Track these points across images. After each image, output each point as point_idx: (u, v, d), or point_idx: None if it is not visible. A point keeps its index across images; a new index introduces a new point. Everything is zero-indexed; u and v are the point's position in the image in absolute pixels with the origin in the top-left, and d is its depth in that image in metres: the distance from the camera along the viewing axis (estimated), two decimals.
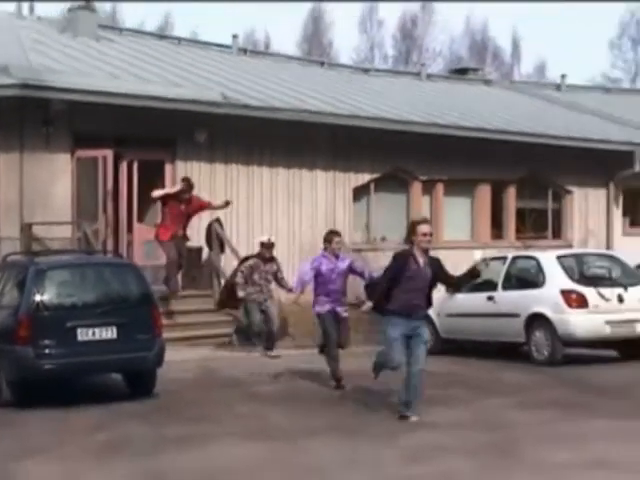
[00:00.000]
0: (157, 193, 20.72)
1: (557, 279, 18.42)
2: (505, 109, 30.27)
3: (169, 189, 20.92)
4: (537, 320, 18.25)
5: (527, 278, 18.90)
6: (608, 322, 18.09)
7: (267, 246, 19.43)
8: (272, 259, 19.58)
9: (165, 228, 20.43)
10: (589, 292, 18.18)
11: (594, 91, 39.71)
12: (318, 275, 15.16)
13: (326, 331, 15.25)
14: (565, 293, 18.11)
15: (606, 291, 18.33)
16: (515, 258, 19.42)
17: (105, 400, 14.23)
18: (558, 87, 37.42)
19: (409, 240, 12.52)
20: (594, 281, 18.59)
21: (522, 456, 10.63)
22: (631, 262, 20.33)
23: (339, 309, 15.33)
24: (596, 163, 28.08)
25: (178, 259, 20.51)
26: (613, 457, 10.34)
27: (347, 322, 15.71)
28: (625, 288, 18.54)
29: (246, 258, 20.04)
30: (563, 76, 38.00)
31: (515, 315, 18.33)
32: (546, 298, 18.23)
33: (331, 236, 15.43)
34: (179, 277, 21.11)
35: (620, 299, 18.35)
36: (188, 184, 20.48)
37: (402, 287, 12.22)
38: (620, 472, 9.78)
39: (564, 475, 9.71)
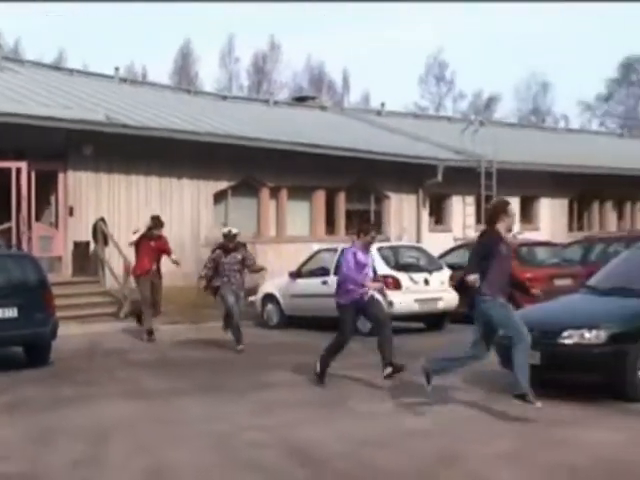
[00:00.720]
0: (134, 238, 18.36)
1: (377, 266, 18.63)
2: (336, 130, 30.50)
3: (140, 232, 18.52)
4: None
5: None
6: (417, 300, 18.47)
7: (227, 238, 16.43)
8: (236, 249, 16.42)
9: (141, 264, 18.08)
10: (402, 277, 18.52)
11: (407, 117, 40.28)
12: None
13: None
14: (384, 277, 18.35)
15: (415, 276, 18.70)
16: (344, 249, 19.59)
17: (6, 369, 14.00)
18: (379, 113, 37.82)
19: (493, 222, 10.30)
20: (406, 268, 18.96)
21: (347, 407, 10.81)
22: (435, 253, 20.79)
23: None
24: (408, 174, 28.49)
25: (152, 296, 17.98)
26: (422, 405, 10.56)
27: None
28: (430, 273, 18.96)
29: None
30: (383, 104, 38.47)
31: None
32: None
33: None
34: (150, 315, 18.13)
35: (426, 282, 18.75)
36: (159, 221, 18.33)
37: (497, 269, 10.02)
38: (426, 415, 10.01)
39: (381, 420, 9.91)
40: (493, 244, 10.18)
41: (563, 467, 7.95)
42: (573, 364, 10.74)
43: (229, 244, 16.40)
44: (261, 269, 17.23)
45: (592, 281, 12.87)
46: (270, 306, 20.39)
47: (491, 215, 10.44)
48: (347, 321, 12.38)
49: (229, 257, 16.31)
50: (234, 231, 16.68)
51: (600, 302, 11.81)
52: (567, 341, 10.72)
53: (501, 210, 10.37)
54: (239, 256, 16.42)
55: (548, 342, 10.89)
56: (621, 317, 10.91)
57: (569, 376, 10.94)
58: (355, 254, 12.32)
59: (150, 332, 17.67)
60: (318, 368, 12.39)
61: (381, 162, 27.40)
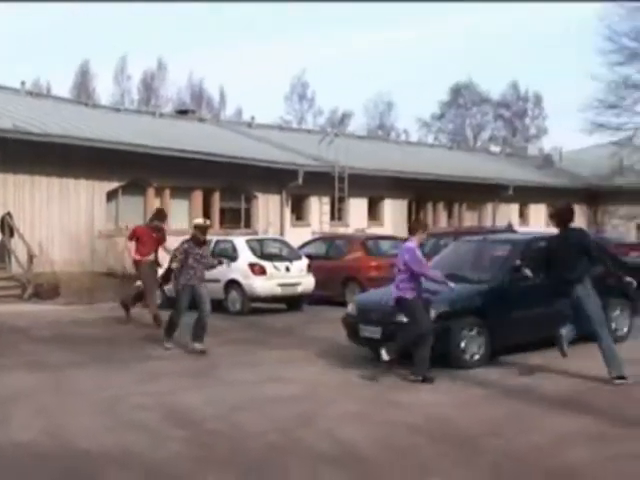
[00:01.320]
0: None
1: (246, 256, 18.68)
2: (213, 139, 30.25)
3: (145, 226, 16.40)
4: (232, 284, 18.46)
5: (226, 255, 19.01)
6: (279, 285, 18.49)
7: (201, 229, 13.06)
8: (205, 242, 13.31)
9: (142, 251, 15.47)
10: (267, 265, 18.52)
11: (274, 129, 40.20)
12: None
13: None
14: (251, 265, 18.39)
15: (278, 264, 18.73)
16: (218, 241, 19.53)
17: None
18: (250, 125, 37.66)
19: (569, 221, 10.47)
20: (271, 257, 18.98)
21: (219, 377, 10.79)
22: (295, 244, 20.88)
23: None
24: (274, 177, 28.48)
25: (155, 278, 15.84)
26: (282, 375, 10.64)
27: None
28: (291, 262, 19.02)
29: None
30: (253, 117, 38.33)
31: (217, 280, 18.46)
32: (238, 269, 18.44)
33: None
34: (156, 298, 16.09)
35: (287, 269, 18.79)
36: (164, 215, 16.41)
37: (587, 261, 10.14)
38: (286, 384, 10.11)
39: (248, 388, 9.93)
40: (589, 239, 10.56)
41: (401, 424, 8.11)
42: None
43: (200, 236, 13.06)
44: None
45: None
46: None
47: (567, 216, 10.55)
48: (422, 314, 10.51)
49: (202, 249, 13.08)
50: (208, 222, 13.73)
51: (431, 286, 12.05)
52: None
53: (573, 212, 10.65)
54: (207, 250, 13.52)
55: (387, 319, 11.10)
56: (448, 299, 11.18)
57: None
58: (417, 250, 10.70)
59: (156, 317, 15.02)
60: (417, 371, 10.31)
61: (251, 167, 27.34)
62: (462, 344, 10.94)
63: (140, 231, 15.91)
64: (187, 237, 13.32)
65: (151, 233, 15.72)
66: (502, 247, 12.88)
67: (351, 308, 12.10)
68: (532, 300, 11.73)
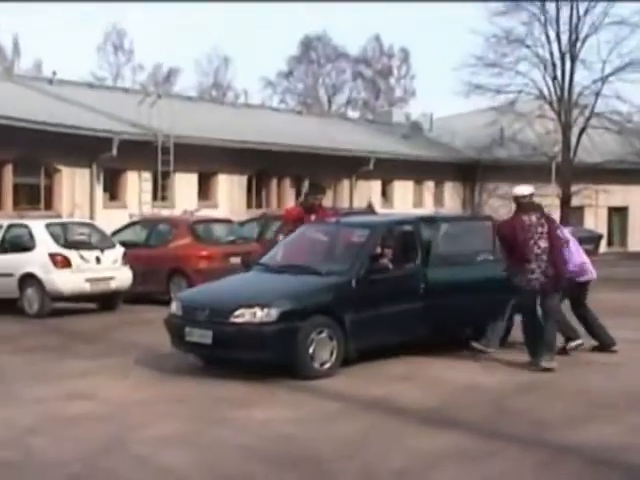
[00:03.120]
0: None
1: (45, 244, 18.32)
2: (3, 98, 29.41)
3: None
4: (29, 279, 18.11)
5: (20, 243, 18.62)
6: (88, 280, 18.27)
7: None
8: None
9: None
10: (72, 255, 18.24)
11: (81, 86, 39.42)
12: None
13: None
14: (52, 256, 18.07)
15: (86, 254, 18.48)
16: (10, 226, 19.10)
17: None
18: (51, 81, 36.85)
19: None
20: (76, 245, 18.67)
21: (9, 393, 10.59)
22: (109, 230, 20.63)
23: None
24: (81, 146, 27.93)
25: None
26: (88, 390, 10.54)
27: None
28: (102, 251, 18.79)
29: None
30: (54, 72, 37.50)
31: (10, 275, 18.07)
32: (36, 260, 18.10)
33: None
34: None
35: (98, 260, 18.58)
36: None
37: None
38: (93, 401, 10.02)
39: (46, 406, 9.78)
40: None
41: (232, 447, 8.16)
42: (245, 343, 11.00)
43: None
44: None
45: (266, 258, 13.23)
46: None
47: None
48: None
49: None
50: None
51: (273, 280, 12.19)
52: (239, 320, 10.97)
53: None
54: None
55: (220, 321, 11.15)
56: (292, 295, 11.31)
57: (241, 355, 11.17)
58: None
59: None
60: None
61: (52, 133, 26.73)
62: (310, 349, 11.07)
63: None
64: None
65: (309, 217, 14.70)
66: (359, 232, 13.07)
67: (175, 307, 12.06)
68: (395, 296, 12.01)
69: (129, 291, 19.03)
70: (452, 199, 42.32)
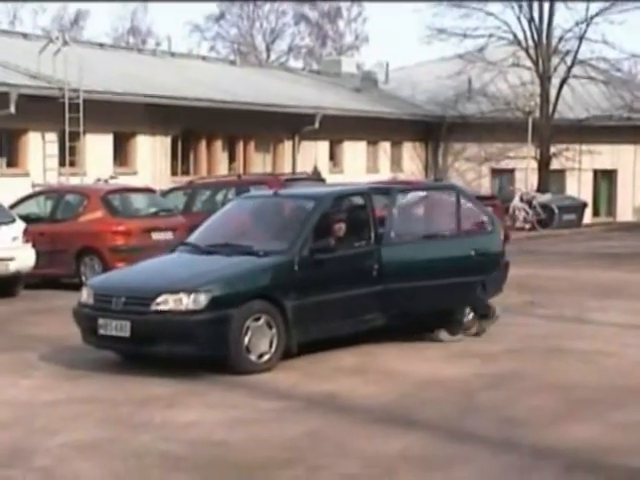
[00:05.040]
0: None
1: None
2: None
3: None
4: None
5: None
6: None
7: None
8: None
9: None
10: None
11: None
12: None
13: None
14: None
15: None
16: None
17: None
18: None
19: None
20: None
21: None
22: (6, 202, 20.40)
23: None
24: None
25: None
26: None
27: None
28: None
29: None
30: None
31: None
32: None
33: None
34: None
35: None
36: None
37: None
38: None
39: None
40: None
41: (154, 454, 8.19)
42: (169, 335, 11.05)
43: None
44: None
45: (192, 237, 13.25)
46: None
47: None
48: None
49: None
50: None
51: (201, 262, 12.22)
52: (162, 307, 11.00)
53: None
54: None
55: (139, 310, 11.18)
56: (224, 278, 11.36)
57: (165, 349, 11.20)
58: None
59: None
60: None
61: None
62: (245, 340, 11.14)
63: None
64: None
65: None
66: (301, 205, 13.18)
67: (86, 295, 12.03)
68: (345, 278, 12.11)
69: (32, 274, 18.92)
70: (412, 162, 42.47)
